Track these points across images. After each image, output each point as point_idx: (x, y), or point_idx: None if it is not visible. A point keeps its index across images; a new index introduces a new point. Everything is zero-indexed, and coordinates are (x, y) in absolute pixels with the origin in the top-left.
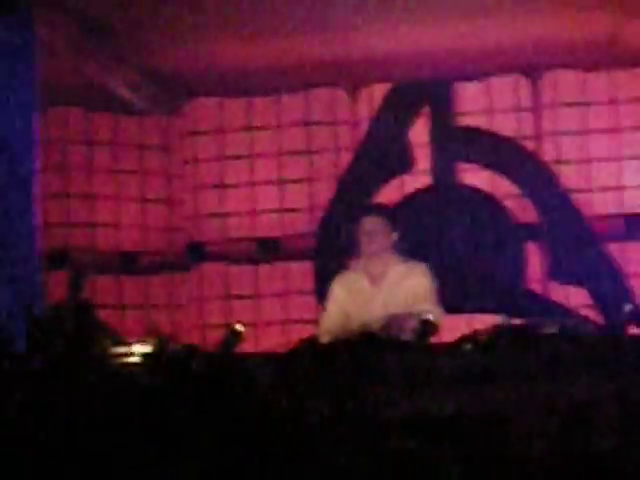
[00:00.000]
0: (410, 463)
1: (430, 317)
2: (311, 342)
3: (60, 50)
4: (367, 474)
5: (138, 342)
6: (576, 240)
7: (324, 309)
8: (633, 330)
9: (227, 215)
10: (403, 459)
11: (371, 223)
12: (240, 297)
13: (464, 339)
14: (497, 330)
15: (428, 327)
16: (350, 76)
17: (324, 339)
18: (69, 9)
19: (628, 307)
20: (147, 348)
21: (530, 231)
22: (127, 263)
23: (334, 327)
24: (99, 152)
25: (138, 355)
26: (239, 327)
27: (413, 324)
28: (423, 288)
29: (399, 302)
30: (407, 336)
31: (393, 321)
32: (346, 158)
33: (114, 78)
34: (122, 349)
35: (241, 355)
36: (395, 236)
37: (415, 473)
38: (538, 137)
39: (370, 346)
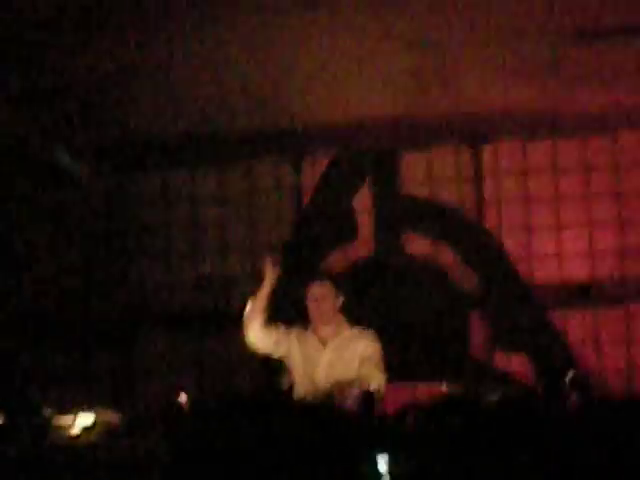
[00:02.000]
0: None
1: (373, 387)
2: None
3: None
4: None
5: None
6: (518, 308)
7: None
8: (574, 398)
9: (171, 284)
10: None
11: (318, 288)
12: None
13: (406, 410)
14: (439, 401)
15: (370, 398)
16: (293, 144)
17: (249, 320)
18: None
19: (570, 374)
20: (89, 419)
21: (473, 299)
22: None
23: (263, 318)
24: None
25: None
26: (183, 398)
27: (356, 393)
28: (370, 352)
29: (345, 363)
30: (350, 405)
31: (337, 389)
32: (289, 228)
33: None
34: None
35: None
36: (341, 300)
37: None
38: (480, 205)
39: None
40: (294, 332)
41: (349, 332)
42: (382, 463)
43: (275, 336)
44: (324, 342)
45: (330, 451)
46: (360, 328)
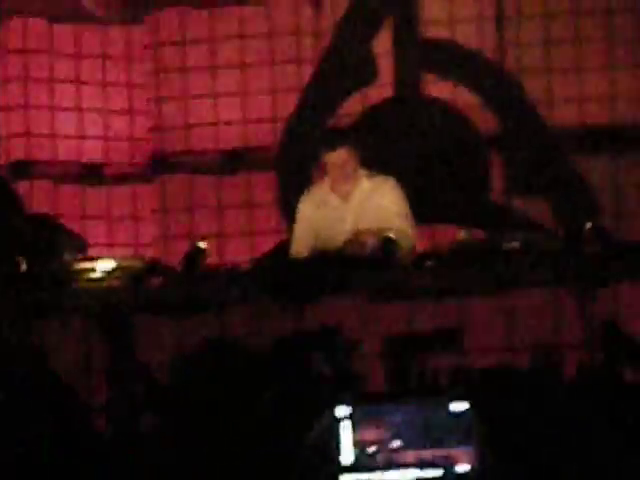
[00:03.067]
0: None
1: (391, 235)
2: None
3: None
4: None
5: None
6: (538, 151)
7: (293, 230)
8: (593, 248)
9: (190, 127)
10: None
11: (338, 155)
12: (203, 208)
13: (425, 255)
14: (458, 245)
15: (390, 245)
16: None
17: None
18: None
19: (588, 225)
20: (110, 264)
21: (492, 142)
22: (90, 174)
23: (305, 248)
24: (60, 63)
25: (101, 271)
26: (202, 244)
27: (373, 241)
28: (393, 204)
29: (370, 220)
30: (369, 253)
31: (355, 237)
32: (309, 69)
33: None
34: (86, 265)
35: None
36: (360, 156)
37: None
38: (501, 47)
39: (332, 263)
40: (310, 203)
41: (369, 183)
42: None
43: (312, 241)
44: (345, 198)
45: None
46: (379, 177)
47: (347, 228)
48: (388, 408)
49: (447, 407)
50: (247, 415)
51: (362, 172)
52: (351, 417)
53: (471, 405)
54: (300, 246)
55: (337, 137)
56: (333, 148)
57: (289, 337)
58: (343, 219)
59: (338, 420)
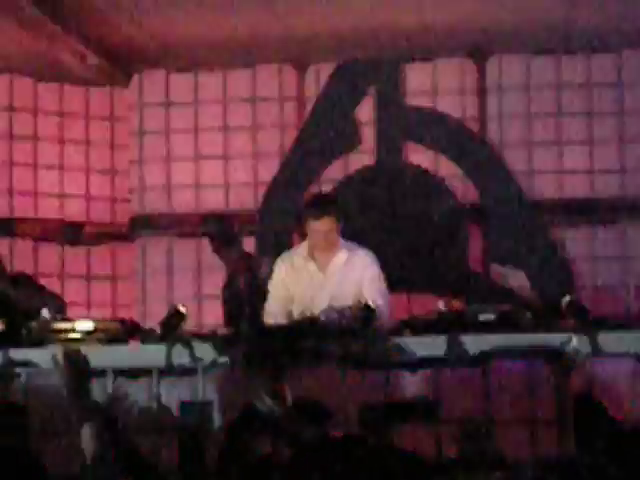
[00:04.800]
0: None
1: (370, 303)
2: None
3: (6, 18)
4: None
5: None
6: (518, 223)
7: (268, 291)
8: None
9: (171, 188)
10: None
11: (321, 224)
12: (183, 270)
13: (403, 324)
14: (435, 316)
15: (369, 313)
16: (298, 53)
17: (269, 321)
18: None
19: (566, 298)
20: (89, 325)
21: (473, 212)
22: (70, 233)
23: (279, 309)
24: (45, 121)
25: (79, 332)
26: (182, 308)
27: (349, 316)
28: (368, 278)
29: (345, 292)
30: (346, 321)
31: (330, 314)
32: (292, 135)
33: (61, 48)
34: (64, 325)
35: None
36: (342, 226)
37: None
38: (482, 119)
39: (311, 331)
40: (288, 266)
41: (346, 254)
42: None
43: (286, 304)
44: (323, 268)
45: None
46: (356, 249)
47: (323, 297)
48: None
49: None
50: None
51: (341, 242)
52: None
53: None
54: (274, 306)
55: (323, 205)
56: (319, 216)
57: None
58: (319, 287)
59: None
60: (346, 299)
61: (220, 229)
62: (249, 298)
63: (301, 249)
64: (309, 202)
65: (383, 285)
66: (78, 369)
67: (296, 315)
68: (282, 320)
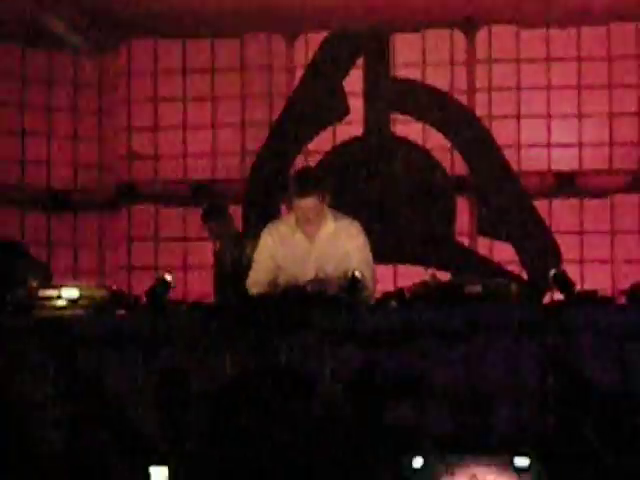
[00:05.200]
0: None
1: (357, 273)
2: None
3: None
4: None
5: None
6: (504, 195)
7: (253, 259)
8: (556, 294)
9: (159, 157)
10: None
11: (306, 202)
12: (170, 240)
13: (389, 296)
14: (421, 287)
15: (356, 283)
16: (287, 22)
17: (253, 290)
18: None
19: (552, 272)
20: (74, 292)
21: (460, 184)
22: (57, 201)
23: (264, 278)
24: (33, 89)
25: (66, 299)
26: (168, 276)
27: (334, 288)
28: (356, 250)
29: (333, 262)
30: (333, 291)
31: (316, 285)
32: (280, 104)
33: (50, 14)
34: (50, 292)
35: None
36: (327, 200)
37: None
38: (471, 91)
39: (298, 300)
40: (275, 236)
41: (334, 224)
42: None
43: (271, 274)
44: (311, 238)
45: None
46: (344, 220)
47: (311, 267)
48: (457, 459)
49: (512, 462)
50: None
51: (328, 212)
52: (425, 468)
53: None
54: (259, 274)
55: (307, 183)
56: (303, 194)
57: None
58: (307, 258)
59: (414, 471)
60: (333, 269)
61: (211, 204)
62: (236, 273)
63: (289, 219)
64: (294, 180)
65: (369, 255)
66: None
67: (282, 285)
68: (266, 289)
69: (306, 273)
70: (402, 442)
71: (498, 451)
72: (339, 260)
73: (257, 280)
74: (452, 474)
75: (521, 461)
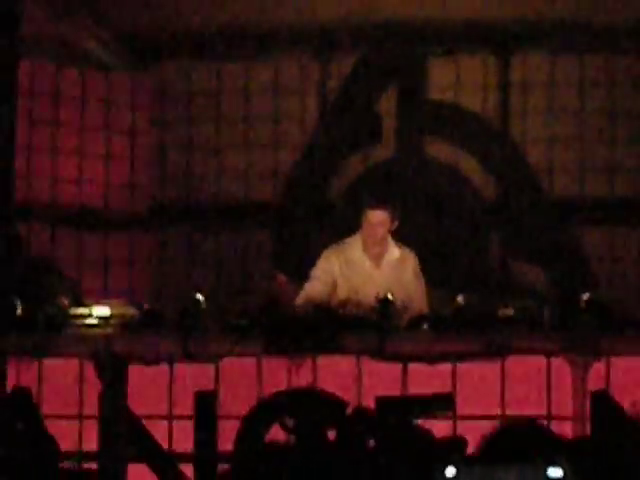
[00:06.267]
0: None
1: (389, 296)
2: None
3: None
4: None
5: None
6: (537, 220)
7: (311, 275)
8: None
9: (191, 176)
10: None
11: (376, 214)
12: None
13: (421, 318)
14: (455, 310)
15: (386, 306)
16: (321, 45)
17: (303, 305)
18: None
19: (585, 296)
20: (105, 310)
21: (492, 207)
22: (88, 219)
23: (319, 295)
24: (66, 106)
25: (96, 317)
26: (200, 297)
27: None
28: (417, 280)
29: (397, 290)
30: (364, 313)
31: (349, 307)
32: (313, 126)
33: (86, 35)
34: (81, 310)
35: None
36: (396, 224)
37: None
38: (504, 115)
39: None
40: (340, 256)
41: (398, 251)
42: None
43: (327, 292)
44: (377, 262)
45: None
46: (405, 248)
47: (373, 292)
48: (490, 470)
49: (544, 472)
50: None
51: (391, 240)
52: (457, 478)
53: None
54: (315, 288)
55: (383, 196)
56: (375, 207)
57: None
58: (374, 283)
59: None
60: (399, 295)
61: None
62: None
63: (354, 242)
64: (367, 192)
65: (424, 285)
66: None
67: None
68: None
69: (369, 296)
70: (435, 452)
71: (531, 461)
72: (403, 287)
73: (312, 296)
74: None
75: (555, 472)
